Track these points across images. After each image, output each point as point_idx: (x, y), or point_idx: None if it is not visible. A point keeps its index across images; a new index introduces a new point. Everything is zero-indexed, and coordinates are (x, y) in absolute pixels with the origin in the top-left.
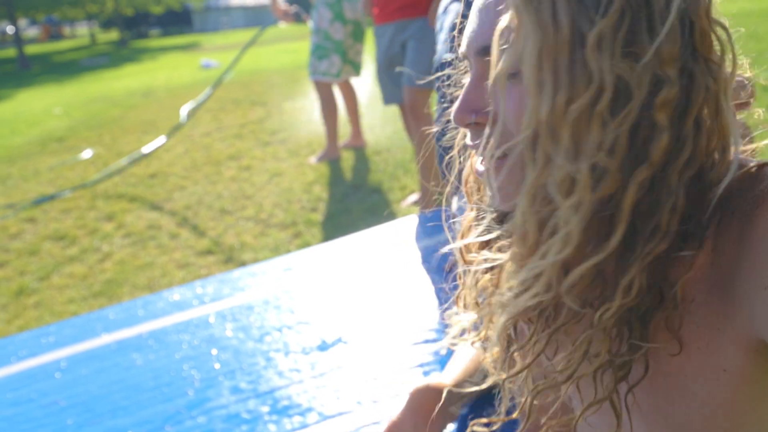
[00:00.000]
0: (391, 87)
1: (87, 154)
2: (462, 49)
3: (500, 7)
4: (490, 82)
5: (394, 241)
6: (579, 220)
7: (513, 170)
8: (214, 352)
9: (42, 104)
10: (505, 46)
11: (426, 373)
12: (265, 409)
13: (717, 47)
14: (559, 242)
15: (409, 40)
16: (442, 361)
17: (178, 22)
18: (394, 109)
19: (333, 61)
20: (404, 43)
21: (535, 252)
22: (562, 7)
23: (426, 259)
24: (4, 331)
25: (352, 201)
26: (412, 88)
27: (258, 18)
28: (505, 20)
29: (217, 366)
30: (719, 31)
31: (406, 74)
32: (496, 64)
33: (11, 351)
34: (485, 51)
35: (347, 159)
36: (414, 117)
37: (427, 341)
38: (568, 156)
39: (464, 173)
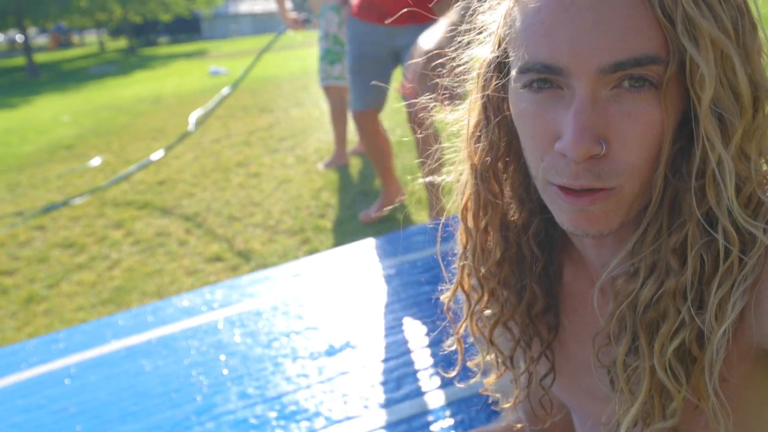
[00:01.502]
0: (363, 90)
1: (96, 161)
2: (558, 60)
3: (639, 11)
4: (664, 108)
5: (402, 248)
6: None
7: (621, 200)
8: (222, 357)
9: (51, 112)
10: (705, 65)
11: (432, 376)
12: (273, 414)
13: None
14: None
15: (404, 49)
16: (448, 365)
17: (187, 29)
18: (401, 114)
19: (345, 65)
20: (396, 51)
21: None
22: (724, 15)
23: (431, 267)
24: (14, 338)
25: (360, 207)
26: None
27: (266, 25)
28: (680, 26)
29: (225, 372)
30: None
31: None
32: (702, 86)
33: (21, 358)
34: (627, 65)
35: (355, 165)
36: (419, 123)
37: (432, 345)
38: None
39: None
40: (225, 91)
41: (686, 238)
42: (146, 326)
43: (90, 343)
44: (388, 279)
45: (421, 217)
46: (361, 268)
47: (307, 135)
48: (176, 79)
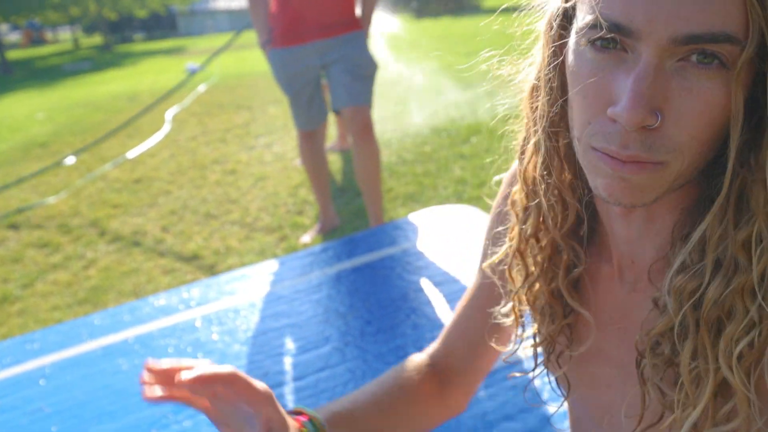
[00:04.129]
0: (300, 112)
1: (70, 159)
2: (632, 21)
3: None
4: (732, 91)
5: (381, 244)
6: None
7: (664, 176)
8: (200, 356)
9: (25, 110)
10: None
11: None
12: None
13: None
14: None
15: (334, 64)
16: None
17: (163, 25)
18: (378, 112)
19: None
20: (325, 65)
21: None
22: None
23: (409, 262)
24: None
25: (337, 204)
26: (364, 106)
27: (244, 22)
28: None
29: None
30: None
31: (349, 94)
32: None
33: None
34: (702, 39)
35: (333, 162)
36: (368, 134)
37: (412, 342)
38: None
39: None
40: (201, 88)
41: (754, 233)
42: (123, 325)
43: (65, 343)
44: (367, 275)
45: (398, 213)
46: (339, 265)
47: (284, 132)
48: (152, 75)
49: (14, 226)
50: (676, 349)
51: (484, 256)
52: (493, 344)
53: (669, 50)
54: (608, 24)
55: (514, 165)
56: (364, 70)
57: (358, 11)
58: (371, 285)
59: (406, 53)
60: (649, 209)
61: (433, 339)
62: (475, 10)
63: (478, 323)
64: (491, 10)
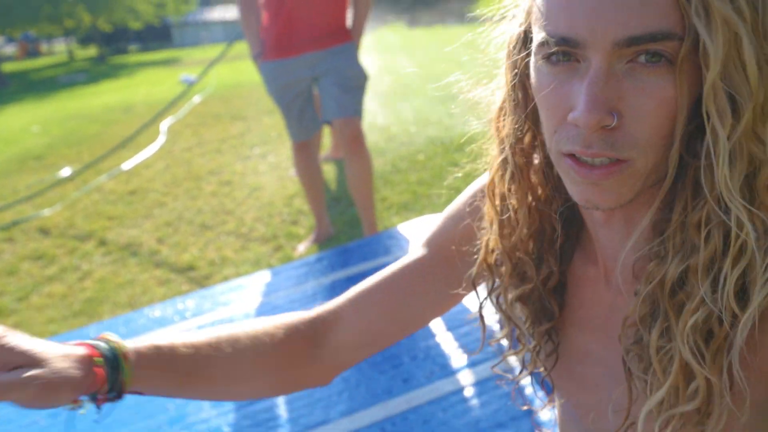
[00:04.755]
0: (294, 124)
1: (66, 171)
2: (574, 32)
3: None
4: (678, 84)
5: (375, 254)
6: None
7: (633, 174)
8: None
9: (20, 122)
10: (711, 44)
11: (409, 378)
12: (246, 422)
13: None
14: None
15: (324, 76)
16: (420, 373)
17: (158, 37)
18: (371, 122)
19: None
20: (316, 77)
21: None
22: None
23: None
24: None
25: (332, 213)
26: (354, 117)
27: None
28: (694, 4)
29: None
30: None
31: (339, 106)
32: (708, 65)
33: None
34: (643, 40)
35: (328, 171)
36: (359, 145)
37: (405, 351)
38: None
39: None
40: (196, 99)
41: (703, 216)
42: (119, 337)
43: None
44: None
45: (393, 222)
46: (333, 274)
47: (279, 142)
48: (147, 87)
49: (9, 239)
50: (652, 334)
51: (442, 232)
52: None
53: (615, 54)
54: (555, 39)
55: (482, 179)
56: (354, 81)
57: (349, 23)
58: None
59: (399, 62)
60: (626, 210)
61: (426, 347)
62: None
63: (399, 302)
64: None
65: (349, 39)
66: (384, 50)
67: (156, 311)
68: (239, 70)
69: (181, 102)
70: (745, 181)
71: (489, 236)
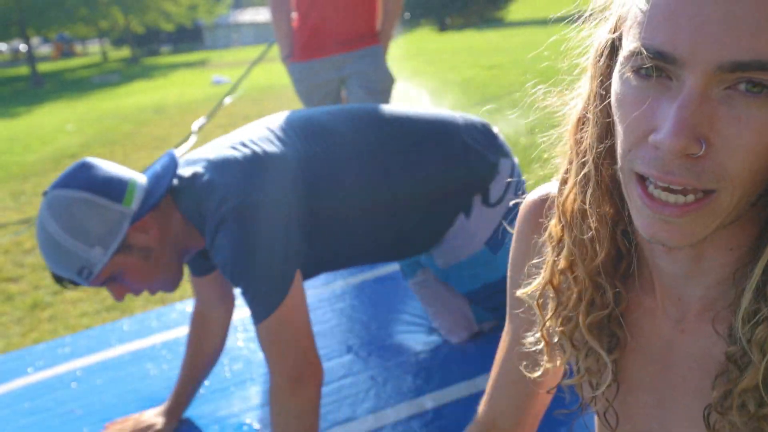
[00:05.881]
0: None
1: None
2: (675, 48)
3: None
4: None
5: None
6: None
7: (714, 211)
8: (225, 361)
9: (55, 121)
10: None
11: (430, 379)
12: None
13: None
14: None
15: (350, 78)
16: (449, 373)
17: (189, 38)
18: None
19: None
20: (343, 79)
21: None
22: None
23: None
24: (20, 343)
25: None
26: None
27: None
28: None
29: (228, 375)
30: None
31: None
32: None
33: (28, 362)
34: (748, 67)
35: None
36: None
37: (427, 350)
38: None
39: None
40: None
41: None
42: (150, 331)
43: (95, 348)
44: (390, 286)
45: None
46: (362, 274)
47: None
48: (179, 88)
49: None
50: (764, 403)
51: (512, 297)
52: (539, 387)
53: (715, 78)
54: (652, 52)
55: (539, 193)
56: (380, 84)
57: (379, 26)
58: (394, 295)
59: (428, 66)
60: (695, 247)
61: (455, 350)
62: (499, 23)
63: (521, 374)
64: (515, 23)
65: (377, 42)
66: (414, 54)
67: (187, 306)
68: (270, 72)
69: (211, 103)
70: None
71: (556, 256)
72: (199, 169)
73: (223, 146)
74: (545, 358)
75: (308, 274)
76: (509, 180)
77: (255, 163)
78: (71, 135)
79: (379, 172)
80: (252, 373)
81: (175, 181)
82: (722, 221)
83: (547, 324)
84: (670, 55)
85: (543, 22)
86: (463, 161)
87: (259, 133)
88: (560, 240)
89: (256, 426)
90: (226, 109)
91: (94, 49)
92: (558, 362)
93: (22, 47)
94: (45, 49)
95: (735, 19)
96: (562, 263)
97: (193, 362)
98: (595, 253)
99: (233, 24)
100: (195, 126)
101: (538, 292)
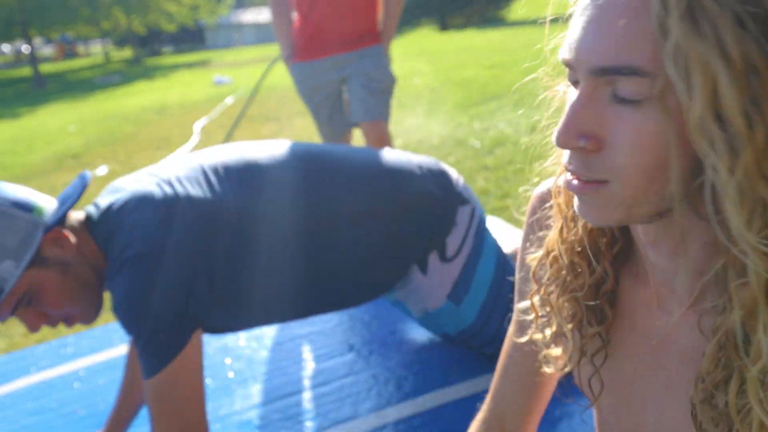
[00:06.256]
0: (329, 125)
1: (102, 170)
2: (567, 55)
3: (637, 20)
4: (663, 120)
5: None
6: None
7: (610, 197)
8: (227, 361)
9: (57, 122)
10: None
11: (433, 377)
12: (277, 416)
13: None
14: None
15: (351, 78)
16: (451, 371)
17: (191, 39)
18: (400, 124)
19: None
20: (343, 79)
21: None
22: (729, 36)
23: None
24: (22, 344)
25: None
26: (380, 121)
27: (270, 35)
28: (669, 42)
29: (230, 374)
30: None
31: (365, 109)
32: (691, 98)
33: (31, 362)
34: (611, 71)
35: None
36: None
37: (434, 348)
38: None
39: (554, 186)
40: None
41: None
42: None
43: (98, 348)
44: None
45: None
46: None
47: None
48: (181, 88)
49: None
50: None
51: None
52: (545, 378)
53: (595, 82)
54: (563, 62)
55: (547, 185)
56: (381, 84)
57: (380, 26)
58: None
59: (429, 65)
60: (672, 242)
61: (455, 349)
62: (500, 22)
63: (526, 368)
64: (517, 23)
65: (378, 42)
66: (414, 53)
67: None
68: (272, 73)
69: (213, 103)
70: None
71: (551, 236)
72: (116, 200)
73: (149, 180)
74: (533, 327)
75: (227, 328)
76: (467, 229)
77: (172, 207)
78: (73, 135)
79: (320, 228)
80: (254, 371)
81: (92, 208)
82: (629, 209)
83: (542, 293)
84: (567, 62)
85: (543, 22)
86: (415, 220)
87: (190, 172)
88: (555, 221)
89: (258, 423)
90: (229, 110)
91: (96, 50)
92: (548, 336)
93: (25, 48)
94: (47, 50)
95: (606, 26)
96: (551, 242)
97: (131, 384)
98: (574, 228)
99: (235, 24)
100: (197, 127)
101: (535, 263)
